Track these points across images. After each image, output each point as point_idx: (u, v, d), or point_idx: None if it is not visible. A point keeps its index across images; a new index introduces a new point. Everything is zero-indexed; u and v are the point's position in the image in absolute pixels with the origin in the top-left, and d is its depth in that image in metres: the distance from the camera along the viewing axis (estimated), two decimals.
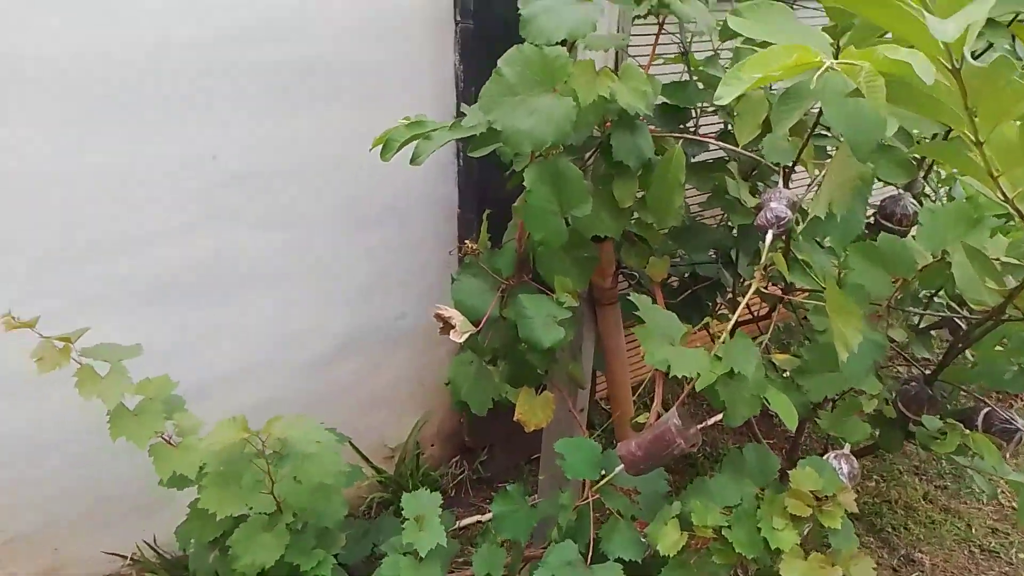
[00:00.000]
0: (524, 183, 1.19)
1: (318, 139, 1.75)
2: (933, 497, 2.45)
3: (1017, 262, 1.01)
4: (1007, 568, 2.18)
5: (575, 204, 1.23)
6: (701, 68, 1.56)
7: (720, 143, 1.39)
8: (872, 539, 2.26)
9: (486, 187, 1.98)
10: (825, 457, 1.17)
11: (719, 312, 1.95)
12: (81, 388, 1.14)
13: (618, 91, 1.20)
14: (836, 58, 0.85)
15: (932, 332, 1.74)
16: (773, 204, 1.21)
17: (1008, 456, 1.41)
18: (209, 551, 1.28)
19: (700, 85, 1.66)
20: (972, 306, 1.13)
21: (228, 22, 1.52)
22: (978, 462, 1.44)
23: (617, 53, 1.53)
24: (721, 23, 1.45)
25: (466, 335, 1.26)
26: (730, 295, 1.89)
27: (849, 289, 1.07)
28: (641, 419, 1.31)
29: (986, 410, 1.41)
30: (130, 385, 1.14)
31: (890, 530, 2.30)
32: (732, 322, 1.11)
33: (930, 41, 0.67)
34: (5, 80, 1.32)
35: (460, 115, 1.67)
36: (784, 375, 1.26)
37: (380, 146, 1.43)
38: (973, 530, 2.31)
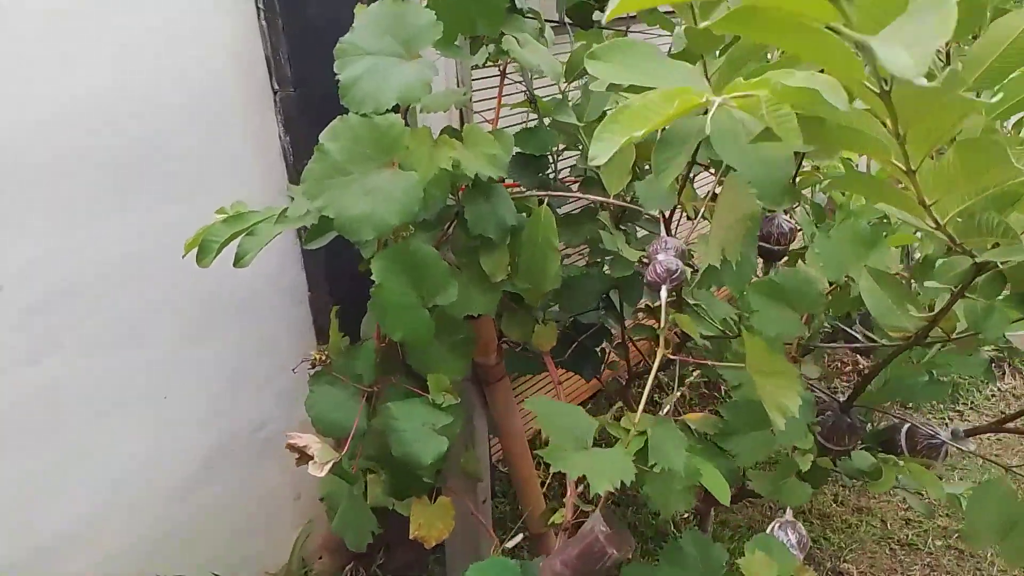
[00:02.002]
0: (373, 276, 1.00)
1: (142, 240, 1.48)
2: (844, 498, 2.41)
3: (940, 285, 0.92)
4: (928, 559, 2.16)
5: (437, 291, 1.04)
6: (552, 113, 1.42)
7: (590, 196, 1.24)
8: None
9: (337, 263, 1.77)
10: (769, 530, 1.04)
11: (610, 361, 1.82)
12: None
13: (463, 159, 1.03)
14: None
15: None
16: (660, 257, 1.07)
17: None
18: None
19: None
20: (890, 333, 1.03)
21: (27, 113, 1.25)
22: (906, 481, 1.36)
23: (461, 110, 1.37)
24: (564, 63, 1.33)
25: (328, 465, 1.04)
26: (619, 342, 1.76)
27: (765, 341, 0.94)
28: (557, 518, 1.14)
29: (907, 427, 1.33)
30: None
31: (812, 544, 2.24)
32: (641, 407, 0.96)
33: (850, 64, 0.53)
34: None
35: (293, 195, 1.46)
36: (705, 437, 1.13)
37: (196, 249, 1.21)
38: (888, 525, 2.29)
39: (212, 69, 1.52)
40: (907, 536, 2.23)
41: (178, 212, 1.52)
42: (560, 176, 1.61)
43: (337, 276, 1.80)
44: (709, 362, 1.05)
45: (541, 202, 1.21)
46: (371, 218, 0.95)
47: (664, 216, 1.12)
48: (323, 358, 1.09)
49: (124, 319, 1.50)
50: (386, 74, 0.97)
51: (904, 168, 0.63)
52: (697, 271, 1.11)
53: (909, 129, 0.58)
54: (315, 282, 1.84)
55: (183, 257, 1.23)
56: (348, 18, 1.67)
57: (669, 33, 2.08)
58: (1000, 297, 0.87)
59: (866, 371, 1.24)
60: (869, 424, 1.41)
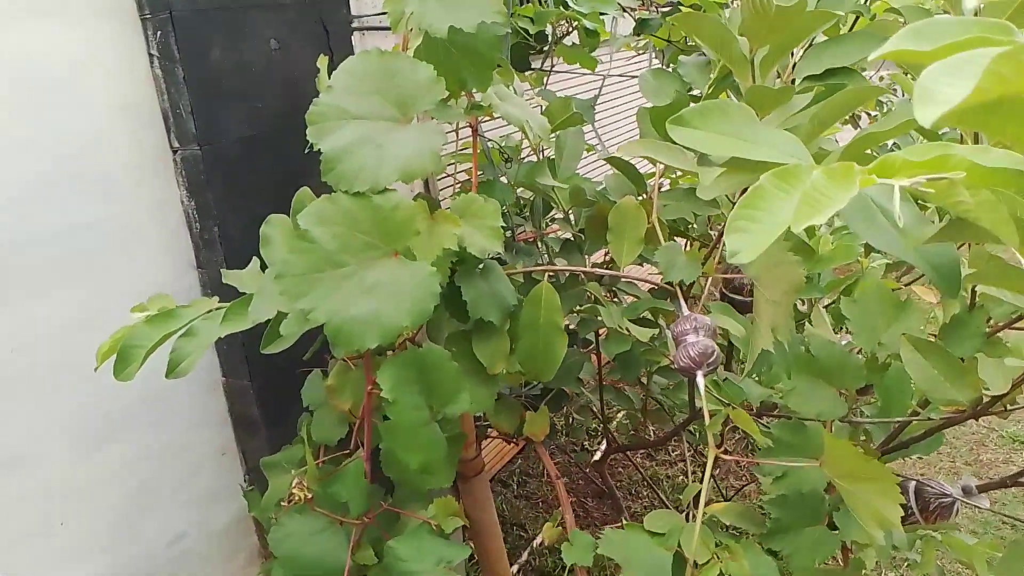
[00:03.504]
0: (383, 392, 0.81)
1: (17, 341, 1.20)
2: None
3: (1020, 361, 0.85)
4: None
5: (448, 400, 0.87)
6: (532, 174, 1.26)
7: (574, 267, 1.10)
8: None
9: (256, 343, 1.54)
10: None
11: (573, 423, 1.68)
12: None
13: (467, 236, 0.86)
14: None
15: None
16: (691, 339, 0.94)
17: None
18: None
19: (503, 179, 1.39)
20: (941, 406, 0.95)
21: None
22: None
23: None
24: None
25: None
26: (581, 404, 1.62)
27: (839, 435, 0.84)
28: None
29: (913, 485, 1.27)
30: None
31: None
32: (699, 523, 0.82)
33: None
34: None
35: (201, 266, 1.36)
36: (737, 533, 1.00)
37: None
38: (839, 561, 2.26)
39: (95, 127, 1.27)
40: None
41: (62, 300, 1.25)
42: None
43: (257, 358, 1.56)
44: (758, 461, 0.93)
45: (527, 275, 1.06)
46: (377, 321, 0.76)
47: (682, 289, 0.99)
48: (307, 495, 0.88)
49: (12, 432, 1.21)
50: (383, 144, 0.79)
51: None
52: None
53: None
54: (230, 366, 1.59)
55: (96, 369, 0.99)
56: (260, 65, 1.46)
57: (591, 72, 2.01)
58: None
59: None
60: None
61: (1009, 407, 0.93)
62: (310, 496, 0.87)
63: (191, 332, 0.95)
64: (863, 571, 1.02)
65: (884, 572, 2.16)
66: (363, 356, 0.93)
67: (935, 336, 1.03)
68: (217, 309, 0.97)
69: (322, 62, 0.94)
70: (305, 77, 1.54)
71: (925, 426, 1.09)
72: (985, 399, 0.95)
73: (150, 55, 1.37)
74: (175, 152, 1.41)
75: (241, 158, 1.44)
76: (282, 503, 0.89)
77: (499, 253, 0.92)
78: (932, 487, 1.24)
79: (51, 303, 1.22)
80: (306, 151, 0.82)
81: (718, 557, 0.90)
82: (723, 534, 1.01)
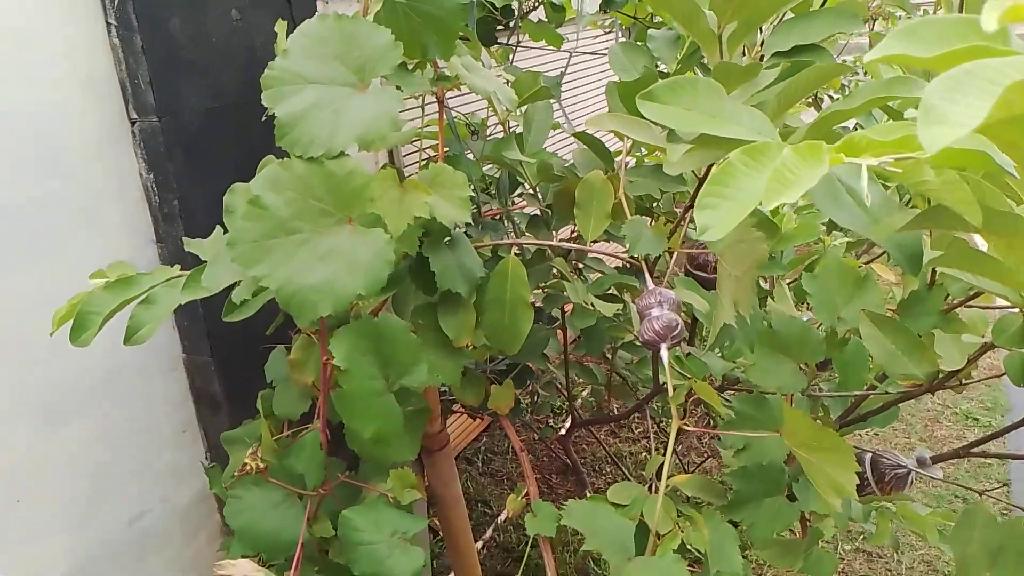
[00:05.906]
0: (335, 360, 0.79)
1: None
2: None
3: (975, 340, 0.86)
4: (841, 564, 2.17)
5: (406, 370, 0.85)
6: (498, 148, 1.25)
7: (540, 241, 1.09)
8: None
9: (217, 318, 1.51)
10: None
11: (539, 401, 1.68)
12: None
13: (436, 206, 0.85)
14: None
15: None
16: (656, 312, 0.94)
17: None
18: None
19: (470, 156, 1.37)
20: (899, 380, 0.96)
21: None
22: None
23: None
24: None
25: None
26: (547, 381, 1.62)
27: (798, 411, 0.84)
28: None
29: (869, 456, 1.29)
30: None
31: None
32: (661, 492, 0.82)
33: None
34: None
35: (160, 240, 1.32)
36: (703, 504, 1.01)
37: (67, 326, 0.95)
38: (796, 534, 2.30)
39: (50, 98, 1.24)
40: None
41: (17, 277, 1.22)
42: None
43: (218, 334, 1.54)
44: (720, 432, 0.93)
45: (493, 251, 1.05)
46: (331, 288, 0.75)
47: (648, 264, 0.99)
48: (259, 465, 0.87)
49: None
50: (339, 109, 0.77)
51: None
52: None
53: None
54: (191, 342, 1.56)
55: (52, 334, 0.98)
56: (221, 35, 1.43)
57: (557, 49, 2.00)
58: None
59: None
60: None
61: (964, 381, 0.94)
62: (263, 466, 0.86)
63: (150, 299, 0.94)
64: (820, 541, 1.03)
65: (840, 545, 2.20)
66: (320, 328, 0.92)
67: (894, 312, 1.04)
68: (177, 277, 0.96)
69: (280, 27, 0.92)
70: (267, 48, 1.51)
71: (883, 400, 1.10)
72: (941, 374, 0.96)
73: (107, 24, 1.33)
74: (133, 124, 1.38)
75: (202, 130, 1.41)
76: (235, 474, 0.88)
77: (467, 224, 0.91)
78: (887, 458, 1.26)
79: (5, 280, 1.19)
80: (263, 118, 0.81)
81: (679, 527, 0.90)
82: (685, 506, 1.02)
